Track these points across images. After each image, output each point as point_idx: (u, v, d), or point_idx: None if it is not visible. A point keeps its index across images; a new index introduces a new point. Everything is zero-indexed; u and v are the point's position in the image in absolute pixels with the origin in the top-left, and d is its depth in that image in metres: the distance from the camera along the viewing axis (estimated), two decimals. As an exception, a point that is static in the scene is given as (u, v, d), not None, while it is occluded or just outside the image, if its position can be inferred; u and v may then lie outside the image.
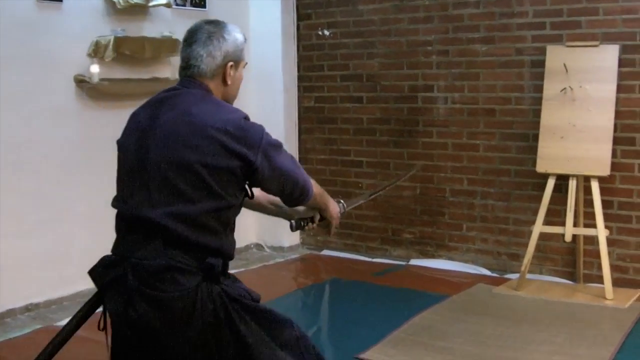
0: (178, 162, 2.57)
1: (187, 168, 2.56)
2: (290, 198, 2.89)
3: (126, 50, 6.05)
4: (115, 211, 2.81)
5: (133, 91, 6.24)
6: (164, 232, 2.56)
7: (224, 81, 2.79)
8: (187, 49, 2.77)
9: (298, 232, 7.50)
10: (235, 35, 2.83)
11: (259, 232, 7.71)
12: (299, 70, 7.62)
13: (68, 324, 2.82)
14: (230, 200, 2.65)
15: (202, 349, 2.60)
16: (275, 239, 7.67)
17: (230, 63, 2.79)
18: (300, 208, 3.12)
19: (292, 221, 3.14)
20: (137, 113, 2.78)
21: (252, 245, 7.72)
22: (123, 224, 2.71)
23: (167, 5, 6.50)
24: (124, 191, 2.70)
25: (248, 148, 2.62)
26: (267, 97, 7.48)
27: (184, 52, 2.78)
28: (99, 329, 2.77)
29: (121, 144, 2.78)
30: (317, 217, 3.19)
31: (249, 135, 2.64)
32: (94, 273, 2.71)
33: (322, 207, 3.14)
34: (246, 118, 2.72)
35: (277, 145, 2.79)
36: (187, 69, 2.76)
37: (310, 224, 3.18)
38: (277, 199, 2.95)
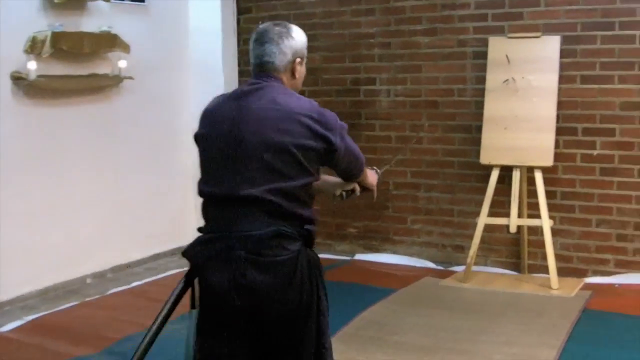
0: (274, 145, 2.83)
1: (282, 149, 2.82)
2: (351, 174, 3.19)
3: (64, 45, 5.86)
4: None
5: (71, 87, 6.13)
6: (267, 206, 2.82)
7: (293, 75, 3.06)
8: (260, 47, 3.02)
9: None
10: (300, 34, 3.12)
11: (201, 230, 7.52)
12: (240, 66, 7.45)
13: (164, 306, 3.05)
14: (315, 176, 2.94)
15: (297, 310, 2.86)
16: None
17: (298, 59, 3.06)
18: (335, 179, 3.32)
19: (343, 192, 3.35)
20: (219, 106, 3.00)
21: None
22: (219, 205, 2.91)
23: (106, -1, 6.32)
24: (216, 175, 2.91)
25: (329, 131, 2.90)
26: (208, 92, 6.62)
27: (257, 50, 3.03)
28: (192, 307, 3.03)
29: (206, 135, 3.00)
30: (358, 188, 3.38)
31: (328, 120, 2.92)
32: (191, 252, 2.95)
33: (364, 179, 3.35)
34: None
35: (346, 129, 3.05)
36: (262, 65, 3.01)
37: (352, 194, 3.39)
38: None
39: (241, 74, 7.45)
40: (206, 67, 7.32)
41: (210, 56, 7.30)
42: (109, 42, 6.27)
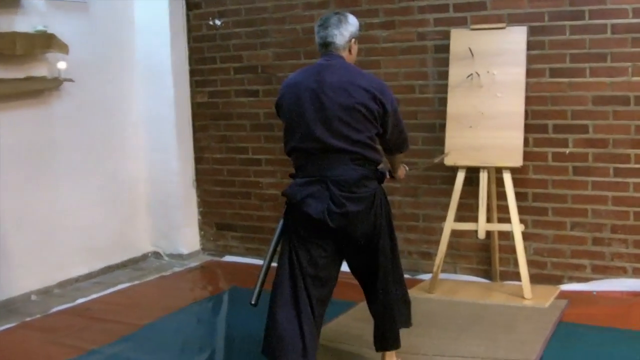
0: (346, 106, 3.74)
1: (352, 108, 3.74)
2: (395, 145, 4.08)
3: (-6, 47, 5.49)
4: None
5: (5, 92, 5.77)
6: (349, 154, 3.78)
7: (350, 52, 3.95)
8: (324, 30, 3.90)
9: (197, 237, 7.16)
10: (354, 19, 3.98)
11: (155, 239, 7.26)
12: (190, 64, 7.15)
13: (275, 240, 3.96)
14: (379, 129, 3.86)
15: (373, 228, 3.90)
16: (173, 246, 7.21)
17: (353, 39, 3.96)
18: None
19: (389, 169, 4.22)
20: (301, 79, 3.87)
21: (149, 254, 7.25)
22: (311, 156, 3.81)
23: (39, -5, 5.93)
24: (308, 133, 3.77)
25: (385, 99, 3.82)
26: (155, 93, 7.01)
27: (322, 33, 3.91)
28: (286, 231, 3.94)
29: (293, 103, 3.84)
30: (388, 175, 4.16)
31: (384, 90, 3.84)
32: (290, 191, 3.85)
33: (397, 165, 4.31)
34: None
35: (397, 103, 3.99)
36: (327, 45, 3.91)
37: (382, 176, 4.02)
38: None
39: (192, 73, 7.15)
40: (153, 66, 7.01)
41: (157, 55, 7.00)
42: (44, 42, 5.95)
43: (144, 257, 7.16)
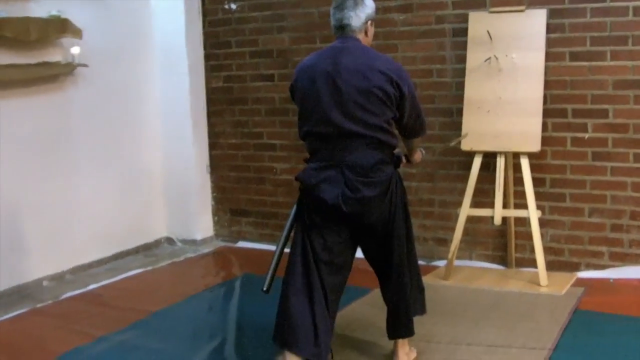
0: (362, 89, 3.67)
1: (368, 91, 3.67)
2: (413, 129, 4.01)
3: (8, 32, 5.43)
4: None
5: (19, 77, 5.73)
6: (365, 138, 3.71)
7: (366, 34, 3.88)
8: (340, 12, 3.82)
9: (211, 223, 7.11)
10: (370, 1, 3.89)
11: (170, 225, 7.21)
12: (205, 48, 7.07)
13: (288, 225, 3.92)
14: (395, 113, 3.79)
15: (388, 214, 3.84)
16: (187, 232, 7.14)
17: (370, 21, 3.88)
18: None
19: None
20: (316, 62, 3.80)
21: (162, 240, 7.20)
22: (326, 140, 3.75)
23: (53, -20, 5.86)
24: (323, 117, 3.72)
25: (402, 83, 3.73)
26: (170, 78, 6.95)
27: (338, 15, 3.83)
28: (301, 215, 3.89)
29: (308, 86, 3.78)
30: (404, 159, 4.12)
31: (401, 73, 3.77)
32: (304, 175, 3.81)
33: (414, 150, 4.22)
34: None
35: (413, 86, 3.90)
36: (343, 27, 3.83)
37: (398, 160, 4.00)
38: None
39: (207, 57, 7.07)
40: (169, 50, 6.94)
41: (173, 39, 6.93)
42: (58, 27, 5.86)
43: (157, 243, 7.11)
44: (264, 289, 3.82)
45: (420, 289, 4.18)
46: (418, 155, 4.31)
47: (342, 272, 3.91)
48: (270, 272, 3.83)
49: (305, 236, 3.83)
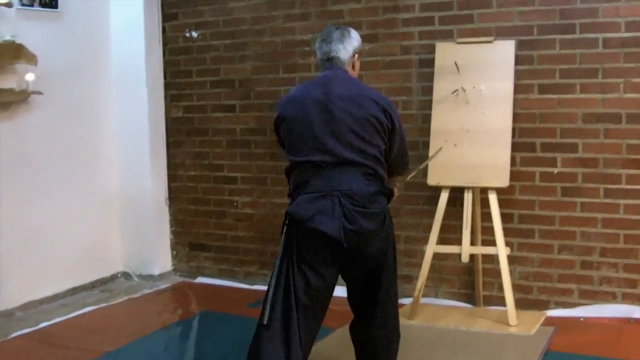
0: (357, 117, 3.60)
1: (363, 119, 3.60)
2: (399, 164, 3.90)
3: (-43, 58, 5.25)
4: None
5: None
6: (361, 167, 3.60)
7: (353, 67, 3.86)
8: (327, 45, 3.81)
9: (169, 257, 6.91)
10: (356, 34, 3.91)
11: (126, 259, 6.96)
12: (165, 77, 6.89)
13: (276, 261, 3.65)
14: (386, 145, 3.71)
15: (380, 252, 3.69)
16: (145, 267, 6.91)
17: (356, 55, 3.87)
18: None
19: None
20: (305, 92, 3.72)
21: (119, 274, 6.95)
22: (317, 170, 3.60)
23: (7, 4, 5.70)
24: (311, 146, 3.62)
25: (394, 115, 3.69)
26: (129, 107, 6.75)
27: (325, 48, 3.81)
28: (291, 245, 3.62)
29: (299, 115, 3.68)
30: (396, 191, 4.00)
31: (392, 107, 3.73)
32: (298, 207, 3.58)
33: (393, 185, 3.95)
34: None
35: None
36: (331, 59, 3.79)
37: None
38: None
39: (167, 86, 6.88)
40: (128, 79, 6.74)
41: (132, 67, 6.73)
42: (12, 53, 5.69)
43: (113, 277, 6.87)
44: (264, 322, 3.55)
45: (398, 335, 3.97)
46: (395, 191, 4.13)
47: (320, 316, 3.72)
48: (268, 305, 3.57)
49: (290, 275, 3.60)
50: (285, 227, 3.65)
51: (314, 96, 3.66)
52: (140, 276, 6.88)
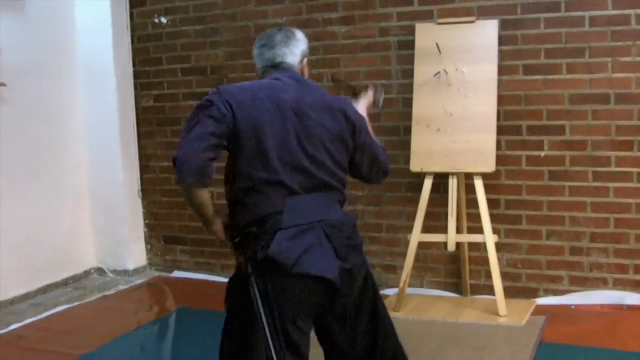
0: (333, 133, 3.06)
1: (338, 136, 3.08)
2: (375, 175, 3.38)
3: None
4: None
5: None
6: (335, 193, 3.09)
7: (302, 74, 3.26)
8: (270, 51, 3.23)
9: (144, 251, 6.70)
10: (302, 34, 3.33)
11: (99, 254, 6.76)
12: (134, 65, 6.66)
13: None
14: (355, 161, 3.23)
15: (365, 289, 3.13)
16: (118, 262, 6.70)
17: (305, 59, 3.29)
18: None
19: None
20: (270, 92, 3.04)
21: (92, 270, 6.73)
22: (290, 195, 2.98)
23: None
24: (285, 162, 2.99)
25: (362, 129, 3.17)
26: (97, 98, 6.53)
27: (267, 54, 3.23)
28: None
29: (263, 117, 2.99)
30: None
31: (360, 120, 3.20)
32: (281, 249, 2.89)
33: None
34: None
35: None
36: (277, 66, 3.20)
37: None
38: None
39: (136, 75, 6.66)
40: (95, 68, 6.52)
41: (99, 56, 6.49)
42: None
43: (86, 273, 6.65)
44: None
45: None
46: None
47: None
48: None
49: (272, 336, 2.94)
50: (253, 276, 2.95)
51: (285, 100, 3.04)
52: (115, 271, 6.68)
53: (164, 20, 6.49)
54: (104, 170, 6.61)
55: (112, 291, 6.21)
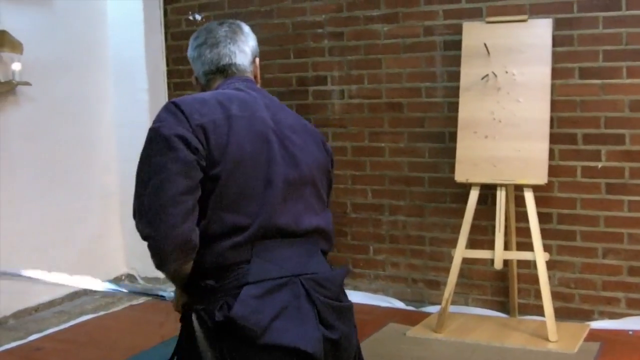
0: (321, 164, 2.53)
1: (325, 170, 2.56)
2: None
3: None
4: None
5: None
6: (320, 240, 2.47)
7: (255, 77, 2.68)
8: (214, 49, 2.60)
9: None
10: (250, 30, 2.72)
11: (130, 259, 6.56)
12: (167, 64, 6.49)
13: None
14: None
15: (356, 351, 2.52)
16: (150, 268, 6.35)
17: (257, 58, 2.71)
18: None
19: None
20: (243, 106, 2.43)
21: (123, 277, 6.55)
22: (263, 242, 2.33)
23: (-11, -13, 5.35)
24: (266, 201, 2.34)
25: (332, 158, 2.66)
26: (127, 96, 6.36)
27: (210, 55, 2.60)
28: None
29: (242, 141, 2.36)
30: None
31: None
32: (246, 309, 2.23)
33: None
34: None
35: None
36: (223, 70, 2.60)
37: None
38: None
39: (169, 74, 6.48)
40: (126, 67, 6.36)
41: (130, 54, 6.34)
42: None
43: (117, 280, 6.46)
44: None
45: None
46: None
47: None
48: None
49: None
50: (205, 345, 2.31)
51: (263, 119, 2.44)
52: (146, 279, 6.48)
53: (198, 17, 6.31)
54: (133, 170, 6.34)
55: (140, 300, 5.98)
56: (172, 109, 2.35)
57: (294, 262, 2.35)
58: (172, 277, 2.46)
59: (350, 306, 2.46)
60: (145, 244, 2.40)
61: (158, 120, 2.36)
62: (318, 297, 2.33)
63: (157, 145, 2.32)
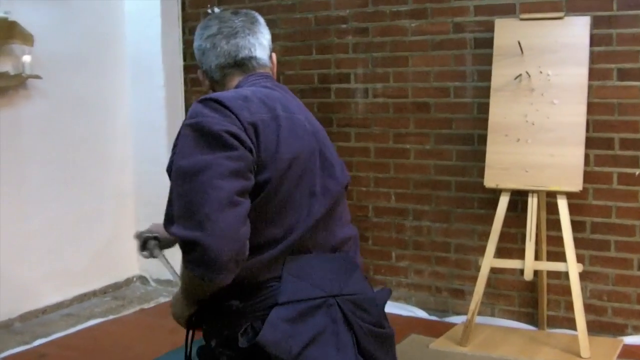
0: (346, 175, 2.38)
1: (346, 179, 2.38)
2: None
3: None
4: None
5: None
6: (355, 253, 2.31)
7: (272, 73, 2.46)
8: (231, 40, 2.35)
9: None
10: (262, 19, 2.48)
11: (143, 261, 6.28)
12: (184, 59, 6.35)
13: None
14: None
15: None
16: (163, 270, 6.20)
17: (274, 54, 2.50)
18: None
19: None
20: (279, 116, 2.17)
21: (134, 279, 6.40)
22: (295, 258, 2.11)
23: (0, -23, 5.22)
24: (305, 213, 2.14)
25: None
26: (143, 93, 6.24)
27: (227, 46, 2.35)
28: None
29: (295, 147, 2.16)
30: None
31: None
32: (275, 334, 1.98)
33: None
34: None
35: None
36: (242, 63, 2.35)
37: None
38: None
39: (186, 69, 6.33)
40: (141, 62, 6.24)
41: (146, 49, 6.21)
42: (5, 31, 5.21)
43: (128, 282, 6.35)
44: None
45: None
46: None
47: None
48: None
49: None
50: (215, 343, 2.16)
51: (302, 122, 2.26)
52: (158, 281, 6.35)
53: (217, 10, 6.11)
54: (149, 170, 6.30)
55: (151, 304, 5.88)
56: (212, 105, 2.09)
57: (329, 280, 2.12)
58: (204, 291, 2.12)
59: (392, 334, 2.26)
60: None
61: (199, 115, 2.09)
62: (357, 322, 2.11)
63: (205, 141, 2.03)
